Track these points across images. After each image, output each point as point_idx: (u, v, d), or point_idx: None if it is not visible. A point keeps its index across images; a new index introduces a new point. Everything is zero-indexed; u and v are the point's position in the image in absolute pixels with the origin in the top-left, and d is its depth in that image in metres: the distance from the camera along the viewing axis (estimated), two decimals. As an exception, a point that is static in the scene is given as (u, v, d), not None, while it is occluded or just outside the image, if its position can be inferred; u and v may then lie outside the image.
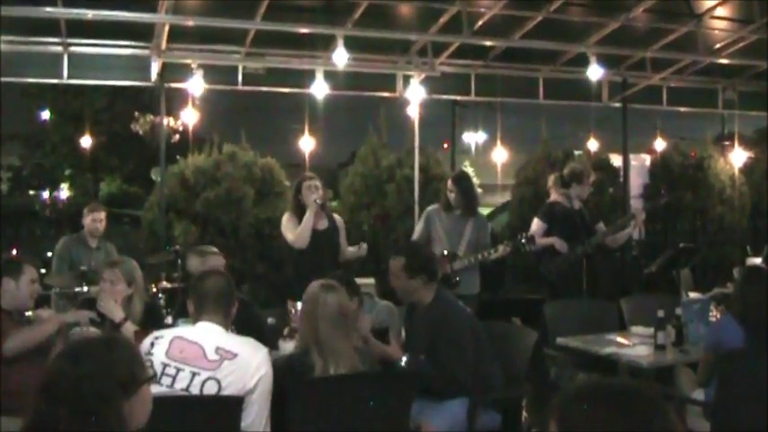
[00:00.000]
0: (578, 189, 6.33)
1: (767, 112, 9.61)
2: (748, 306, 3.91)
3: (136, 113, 17.51)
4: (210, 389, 2.89)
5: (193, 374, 2.90)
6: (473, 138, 23.29)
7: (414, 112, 8.64)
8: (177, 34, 7.29)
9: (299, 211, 5.64)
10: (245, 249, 8.20)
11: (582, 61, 7.84)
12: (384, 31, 7.55)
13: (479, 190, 9.61)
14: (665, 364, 4.46)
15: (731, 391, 3.64)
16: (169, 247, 7.14)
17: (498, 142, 12.43)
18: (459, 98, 11.52)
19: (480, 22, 7.43)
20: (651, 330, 4.56)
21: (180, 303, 4.95)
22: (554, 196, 6.47)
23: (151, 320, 4.10)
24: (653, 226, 9.95)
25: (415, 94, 8.23)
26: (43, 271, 5.07)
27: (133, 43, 7.53)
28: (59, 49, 7.36)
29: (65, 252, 6.41)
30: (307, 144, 9.25)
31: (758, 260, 7.18)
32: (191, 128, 10.02)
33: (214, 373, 2.90)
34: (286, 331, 4.30)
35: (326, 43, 7.48)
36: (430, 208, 6.14)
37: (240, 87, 8.14)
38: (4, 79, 7.13)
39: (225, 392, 2.90)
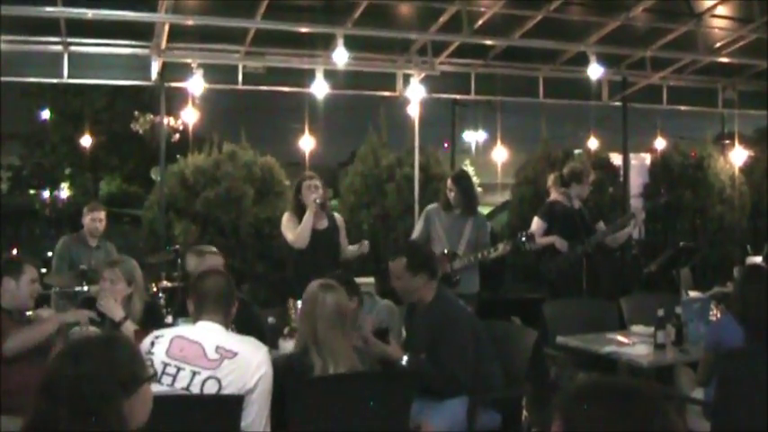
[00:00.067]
0: (578, 188, 6.34)
1: (767, 111, 9.62)
2: (748, 305, 3.91)
3: (136, 113, 17.55)
4: (211, 388, 2.89)
5: (194, 374, 2.90)
6: (473, 137, 23.32)
7: (414, 111, 8.64)
8: (177, 33, 7.28)
9: (300, 211, 5.64)
10: (245, 249, 8.20)
11: (582, 60, 7.84)
12: (384, 31, 7.55)
13: (479, 189, 9.62)
14: (665, 363, 4.46)
15: (731, 391, 3.63)
16: (169, 247, 7.15)
17: (498, 141, 12.46)
18: (459, 97, 11.56)
19: (480, 22, 7.43)
20: (651, 330, 4.55)
21: (180, 303, 4.95)
22: (554, 195, 6.47)
23: (151, 320, 4.10)
24: (653, 225, 9.96)
25: (414, 94, 8.23)
26: (43, 270, 5.08)
27: (133, 43, 7.52)
28: (59, 48, 7.36)
29: (65, 251, 6.41)
30: (307, 143, 9.25)
31: (758, 259, 7.18)
32: (191, 127, 10.05)
33: (214, 373, 2.90)
34: (286, 331, 4.31)
35: (326, 42, 7.48)
36: (429, 207, 6.14)
37: (240, 87, 8.13)
38: (4, 79, 7.13)
39: (225, 392, 2.90)
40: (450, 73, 8.66)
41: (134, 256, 4.75)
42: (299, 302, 3.62)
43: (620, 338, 4.71)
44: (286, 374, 3.16)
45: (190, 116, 9.27)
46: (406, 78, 8.34)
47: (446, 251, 5.75)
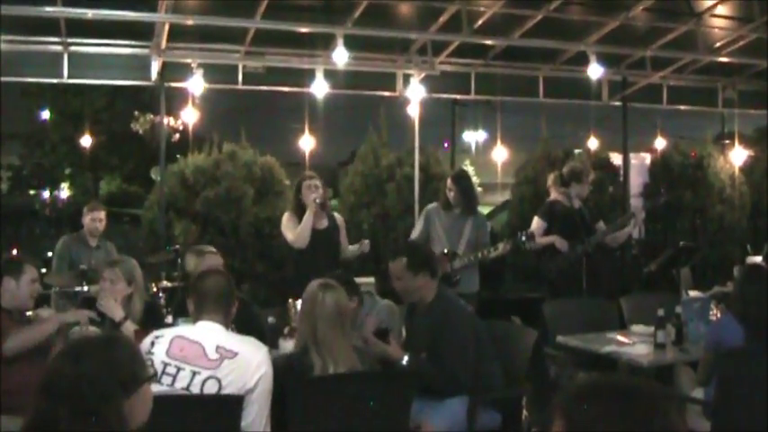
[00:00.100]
0: (578, 188, 6.33)
1: (767, 110, 9.62)
2: (748, 305, 3.91)
3: (136, 113, 17.54)
4: (211, 388, 2.89)
5: (194, 373, 2.90)
6: (473, 137, 23.35)
7: (414, 111, 8.63)
8: (177, 33, 7.28)
9: (300, 211, 5.64)
10: (245, 248, 8.20)
11: (582, 60, 7.84)
12: (384, 30, 7.55)
13: (479, 189, 9.62)
14: (665, 362, 4.46)
15: (731, 391, 3.64)
16: (169, 247, 7.15)
17: (498, 141, 12.46)
18: (459, 97, 11.56)
19: (480, 21, 7.43)
20: (651, 329, 4.55)
21: (180, 302, 4.95)
22: (554, 195, 6.47)
23: (151, 320, 4.10)
24: (653, 225, 9.96)
25: (414, 93, 8.23)
26: (43, 270, 5.07)
27: (133, 42, 7.52)
28: (59, 48, 7.35)
29: (65, 251, 6.41)
30: (307, 143, 9.25)
31: (758, 259, 7.18)
32: (191, 127, 10.04)
33: (214, 372, 2.90)
34: (286, 330, 4.30)
35: (326, 42, 7.48)
36: (429, 207, 6.14)
37: (240, 86, 8.13)
38: (4, 79, 7.12)
39: (225, 391, 2.90)
40: (450, 73, 8.65)
41: (134, 255, 4.75)
42: (299, 302, 3.62)
43: (620, 338, 4.71)
44: (286, 374, 3.16)
45: (190, 116, 9.26)
46: (406, 78, 8.33)
47: (446, 251, 5.75)
